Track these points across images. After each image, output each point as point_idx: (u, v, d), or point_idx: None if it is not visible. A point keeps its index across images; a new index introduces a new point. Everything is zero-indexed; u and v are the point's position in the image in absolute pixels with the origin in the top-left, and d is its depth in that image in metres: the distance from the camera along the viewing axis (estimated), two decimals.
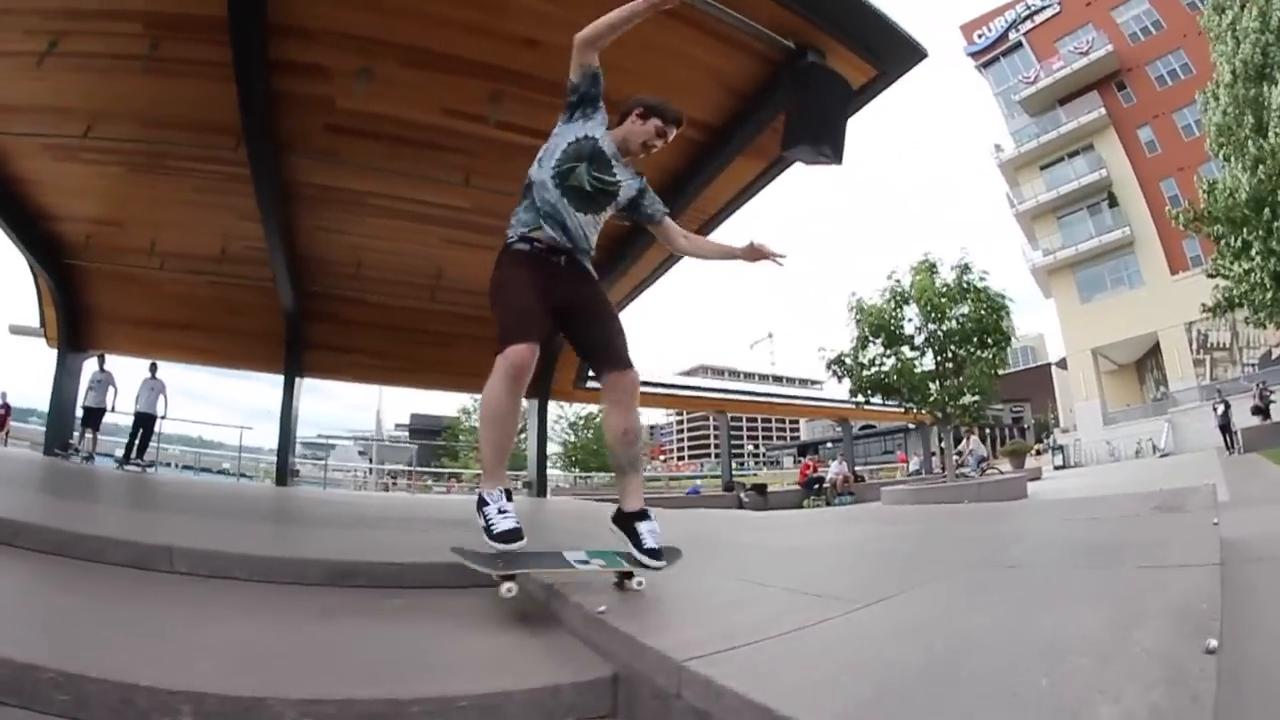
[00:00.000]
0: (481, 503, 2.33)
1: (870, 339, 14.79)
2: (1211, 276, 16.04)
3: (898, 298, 14.76)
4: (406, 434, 67.06)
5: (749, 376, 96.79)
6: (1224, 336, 28.38)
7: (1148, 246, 30.26)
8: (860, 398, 14.97)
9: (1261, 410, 18.03)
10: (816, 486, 18.12)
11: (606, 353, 2.55)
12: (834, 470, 19.08)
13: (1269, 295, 13.65)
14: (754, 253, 2.85)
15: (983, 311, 14.25)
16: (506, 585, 2.21)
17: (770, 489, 19.86)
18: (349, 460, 38.66)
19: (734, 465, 25.39)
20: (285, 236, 10.24)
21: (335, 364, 14.10)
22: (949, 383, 14.47)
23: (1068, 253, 32.89)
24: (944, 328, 14.32)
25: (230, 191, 9.21)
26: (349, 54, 7.00)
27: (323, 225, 10.55)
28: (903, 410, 15.34)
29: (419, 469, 36.61)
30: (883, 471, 33.93)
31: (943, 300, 14.19)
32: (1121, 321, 30.86)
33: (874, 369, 14.47)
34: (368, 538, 4.93)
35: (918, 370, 14.50)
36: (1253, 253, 13.49)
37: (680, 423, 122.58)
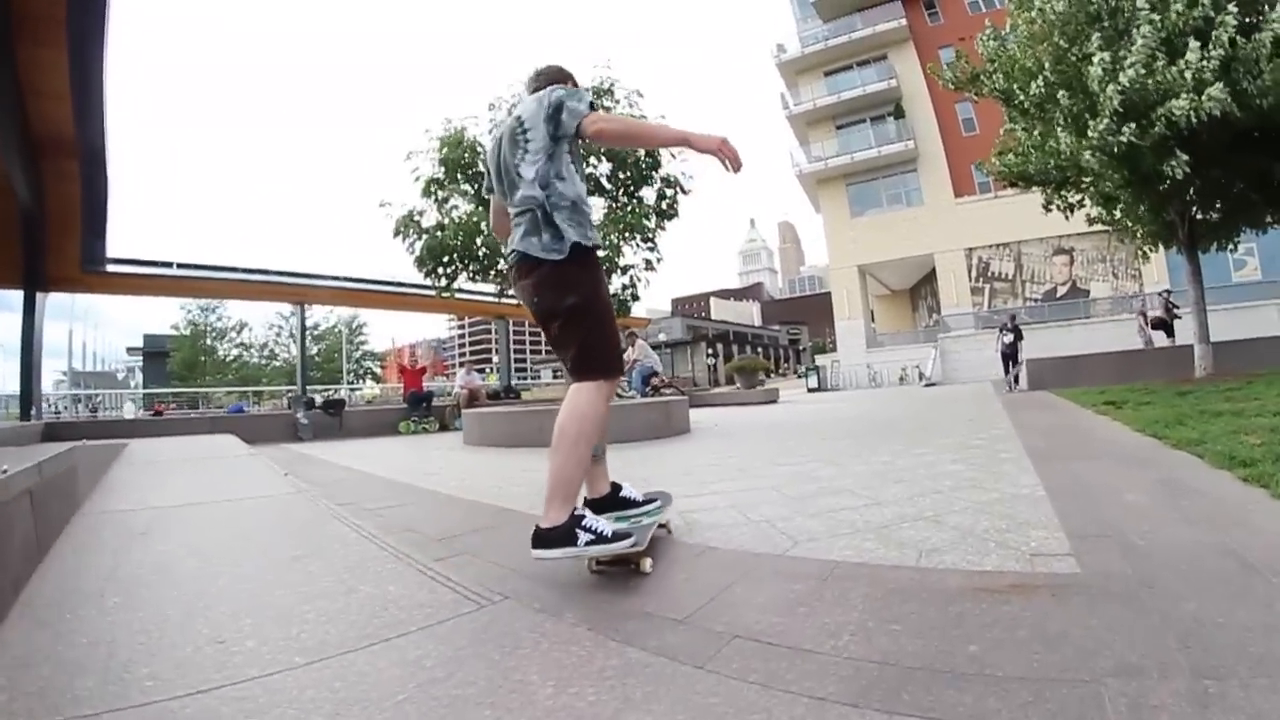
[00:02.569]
0: (572, 527, 2.07)
1: (446, 183, 8.53)
2: (1001, 154, 11.59)
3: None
4: (140, 358, 57.16)
5: None
6: (1007, 267, 26.31)
7: (932, 166, 27.52)
8: (436, 280, 8.75)
9: (1165, 324, 14.94)
10: (425, 405, 12.31)
11: None
12: (459, 383, 13.31)
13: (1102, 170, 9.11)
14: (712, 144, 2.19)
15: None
16: (648, 560, 2.19)
17: (359, 407, 14.53)
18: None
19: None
20: None
21: None
22: None
23: (841, 161, 29.18)
24: None
25: None
26: None
27: None
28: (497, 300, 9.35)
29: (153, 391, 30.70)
30: None
31: None
32: (895, 240, 27.91)
33: (446, 231, 8.14)
34: None
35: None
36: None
37: (462, 330, 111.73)
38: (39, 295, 9.08)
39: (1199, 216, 10.05)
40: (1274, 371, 9.12)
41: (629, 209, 8.92)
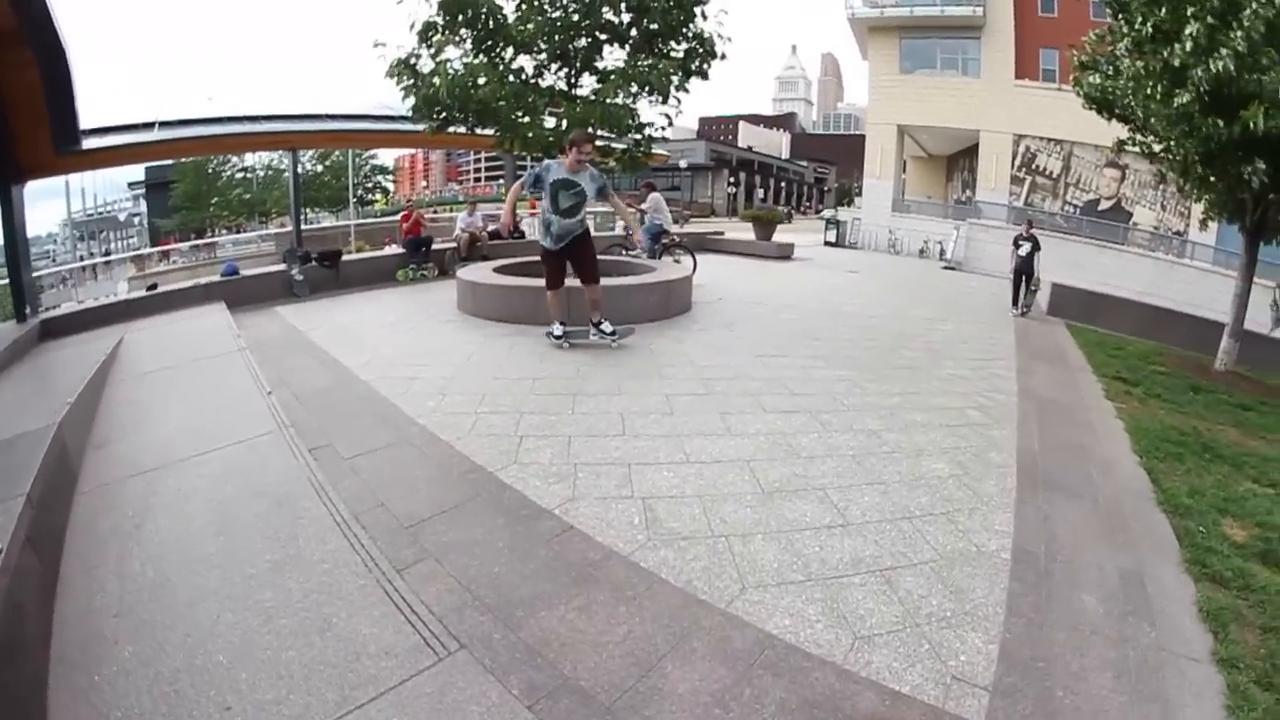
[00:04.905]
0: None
1: (445, 29, 8.02)
2: (1085, 68, 10.11)
3: None
4: (142, 191, 53.20)
5: None
6: (1054, 164, 24.72)
7: (997, 39, 25.15)
8: (425, 124, 8.68)
9: None
10: (424, 250, 12.06)
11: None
12: (460, 225, 12.96)
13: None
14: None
15: None
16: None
17: (356, 256, 13.64)
18: None
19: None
20: None
21: None
22: (572, 106, 8.41)
23: (899, 12, 26.73)
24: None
25: None
26: None
27: None
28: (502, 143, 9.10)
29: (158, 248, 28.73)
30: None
31: None
32: (942, 107, 26.16)
33: (442, 80, 7.66)
34: None
35: (509, 82, 8.32)
36: None
37: (478, 156, 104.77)
38: (14, 189, 8.45)
39: (1274, 213, 8.99)
40: None
41: (650, 65, 8.30)
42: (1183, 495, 3.78)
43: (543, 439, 3.90)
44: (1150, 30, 7.94)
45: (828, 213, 57.16)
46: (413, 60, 8.08)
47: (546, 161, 5.46)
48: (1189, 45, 7.20)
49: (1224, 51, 6.96)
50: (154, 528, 2.66)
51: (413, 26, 8.14)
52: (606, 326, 6.10)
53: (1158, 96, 7.84)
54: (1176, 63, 7.39)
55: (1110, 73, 9.29)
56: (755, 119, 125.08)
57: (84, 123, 9.24)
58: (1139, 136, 9.62)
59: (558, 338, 6.16)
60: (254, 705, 1.71)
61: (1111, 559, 2.99)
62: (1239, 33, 6.89)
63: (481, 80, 7.77)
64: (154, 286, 10.12)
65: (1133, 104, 8.70)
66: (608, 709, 1.86)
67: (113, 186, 49.19)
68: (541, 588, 2.43)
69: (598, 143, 8.71)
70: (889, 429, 4.39)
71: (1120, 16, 8.68)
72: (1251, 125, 6.80)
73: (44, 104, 8.43)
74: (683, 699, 1.91)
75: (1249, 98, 7.01)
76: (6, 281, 8.94)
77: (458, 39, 8.21)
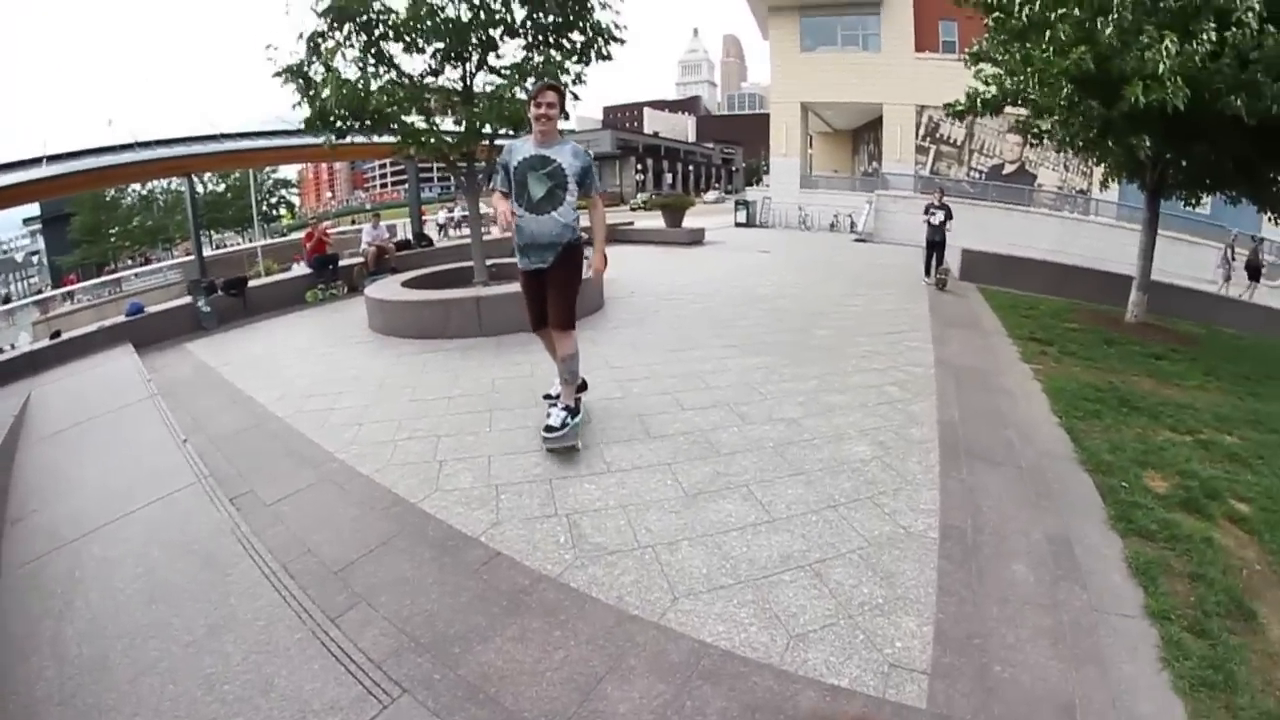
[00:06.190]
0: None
1: (330, 35, 7.96)
2: (975, 62, 10.73)
3: None
4: (38, 228, 49.43)
5: None
6: (958, 132, 25.57)
7: (897, 13, 25.79)
8: (323, 137, 8.40)
9: (1255, 268, 16.45)
10: (331, 268, 11.92)
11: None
12: (366, 239, 12.70)
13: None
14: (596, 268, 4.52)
15: None
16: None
17: (263, 280, 12.89)
18: None
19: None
20: None
21: None
22: (469, 107, 8.27)
23: None
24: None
25: None
26: None
27: None
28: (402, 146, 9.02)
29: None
30: None
31: None
32: (845, 83, 26.72)
33: (333, 90, 7.47)
34: None
35: (400, 86, 8.26)
36: None
37: (383, 167, 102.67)
38: None
39: (1171, 172, 9.53)
40: (1195, 326, 9.48)
41: (546, 58, 8.35)
42: (1103, 452, 3.89)
43: (462, 462, 3.87)
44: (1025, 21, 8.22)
45: (710, 195, 59.50)
46: (304, 67, 7.81)
47: (509, 142, 3.97)
48: (1056, 45, 7.58)
49: (1084, 48, 7.31)
50: (84, 604, 2.57)
51: (300, 35, 7.91)
52: (554, 416, 3.89)
53: (1051, 75, 8.14)
54: (1050, 53, 7.74)
55: (1000, 57, 9.68)
56: (660, 104, 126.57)
57: None
58: (1034, 121, 10.06)
59: (546, 399, 4.56)
60: None
61: (1038, 525, 3.08)
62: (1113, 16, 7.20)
63: (374, 87, 7.63)
64: (58, 334, 9.41)
65: (1023, 87, 9.04)
66: None
67: (7, 224, 46.03)
68: (475, 621, 2.44)
69: (499, 142, 8.56)
70: (808, 415, 4.45)
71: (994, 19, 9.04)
72: (1134, 100, 7.05)
73: None
74: (625, 719, 1.96)
75: (1130, 75, 7.26)
76: None
77: (349, 45, 7.98)
